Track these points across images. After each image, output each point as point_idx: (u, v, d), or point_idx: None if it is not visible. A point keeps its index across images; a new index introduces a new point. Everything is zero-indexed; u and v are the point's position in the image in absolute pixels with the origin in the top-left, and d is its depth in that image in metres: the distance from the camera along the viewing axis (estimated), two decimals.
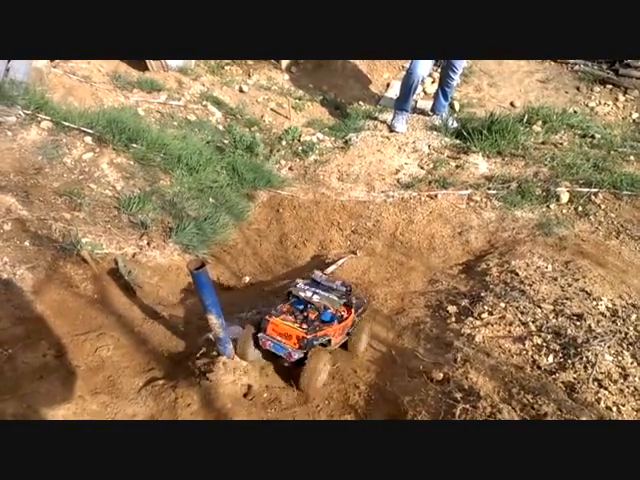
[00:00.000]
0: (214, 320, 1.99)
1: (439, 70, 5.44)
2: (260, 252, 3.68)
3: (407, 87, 4.95)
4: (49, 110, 3.90)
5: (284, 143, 5.08)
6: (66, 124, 3.81)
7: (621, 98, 5.76)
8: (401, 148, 4.95)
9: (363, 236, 3.86)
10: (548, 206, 3.80)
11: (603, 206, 3.67)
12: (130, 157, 3.88)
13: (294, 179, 4.60)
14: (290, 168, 4.81)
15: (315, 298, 2.43)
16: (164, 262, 3.19)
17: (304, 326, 2.27)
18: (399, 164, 4.72)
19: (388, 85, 6.36)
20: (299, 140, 5.13)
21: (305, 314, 2.37)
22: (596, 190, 3.77)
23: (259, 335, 2.29)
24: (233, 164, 4.25)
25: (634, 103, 5.74)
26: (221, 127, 5.08)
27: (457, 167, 4.54)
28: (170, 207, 3.61)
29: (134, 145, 3.93)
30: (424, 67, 4.75)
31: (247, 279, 3.41)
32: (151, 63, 5.52)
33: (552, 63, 6.32)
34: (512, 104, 5.77)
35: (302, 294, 2.44)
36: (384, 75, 6.54)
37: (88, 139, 3.81)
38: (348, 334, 2.48)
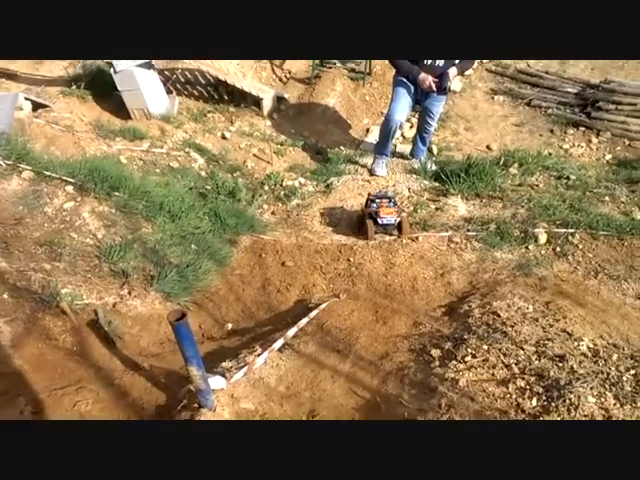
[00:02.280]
0: (195, 372, 1.96)
1: (417, 115, 5.58)
2: (243, 298, 3.67)
3: (386, 132, 5.07)
4: (30, 160, 3.92)
5: (266, 188, 5.13)
6: (47, 174, 3.83)
7: (594, 140, 5.95)
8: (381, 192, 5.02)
9: (346, 279, 3.87)
10: (527, 247, 3.86)
11: (581, 246, 3.74)
12: (112, 205, 3.88)
13: (277, 223, 4.63)
14: (273, 212, 4.85)
15: (382, 194, 4.34)
16: (145, 311, 3.16)
17: (395, 207, 4.15)
18: None
19: (368, 130, 6.51)
20: (281, 185, 5.19)
21: (387, 203, 4.18)
22: (573, 231, 3.85)
23: (378, 219, 4.06)
24: (215, 210, 4.28)
25: (607, 145, 5.93)
26: (204, 173, 5.13)
27: (437, 209, 4.61)
28: (152, 255, 3.59)
29: (116, 193, 3.94)
30: (401, 113, 4.87)
31: (230, 326, 3.39)
32: (134, 111, 5.60)
33: (526, 107, 6.54)
34: (488, 147, 5.93)
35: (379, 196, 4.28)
36: (364, 121, 6.70)
37: (69, 188, 3.82)
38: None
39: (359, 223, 4.39)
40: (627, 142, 5.94)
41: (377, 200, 4.24)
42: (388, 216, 4.06)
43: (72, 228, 3.56)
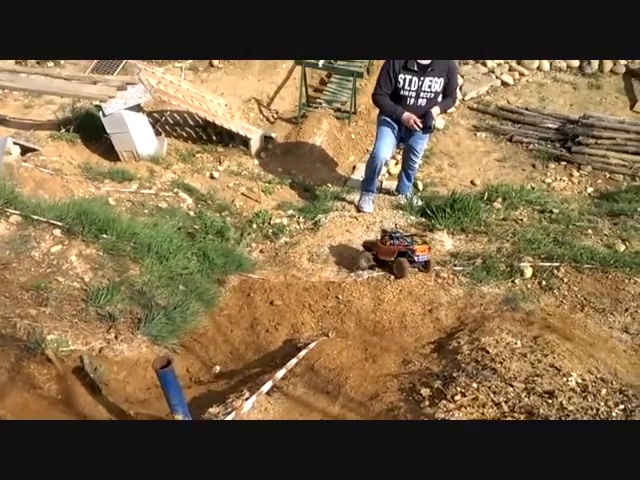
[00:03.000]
0: (181, 420, 1.94)
1: (402, 152, 5.68)
2: (231, 339, 3.65)
3: (371, 169, 5.14)
4: (18, 204, 3.93)
5: (255, 226, 5.16)
6: (35, 217, 3.84)
7: (575, 174, 6.08)
8: (369, 227, 5.06)
9: (335, 317, 3.87)
10: (513, 281, 3.89)
11: (566, 280, 3.78)
12: (100, 248, 3.89)
13: (265, 262, 4.65)
14: (261, 251, 4.86)
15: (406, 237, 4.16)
16: (132, 356, 3.13)
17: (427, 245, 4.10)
18: None
19: (354, 167, 6.61)
20: (269, 223, 5.22)
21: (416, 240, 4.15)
22: (558, 264, 3.89)
23: (415, 256, 3.98)
24: (204, 250, 4.29)
25: (588, 178, 6.06)
26: (192, 213, 5.16)
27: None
28: (139, 297, 3.58)
29: (104, 235, 3.95)
30: (386, 151, 4.95)
31: (218, 368, 3.36)
32: (122, 153, 5.66)
33: (508, 143, 6.69)
34: (472, 182, 6.03)
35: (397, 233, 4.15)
36: (350, 158, 6.81)
37: (57, 232, 3.82)
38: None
39: (365, 261, 4.27)
40: (608, 175, 6.08)
41: (398, 237, 4.13)
42: (423, 254, 4.01)
43: (59, 272, 3.55)
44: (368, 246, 4.38)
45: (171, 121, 6.84)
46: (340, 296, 3.99)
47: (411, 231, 4.48)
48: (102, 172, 5.29)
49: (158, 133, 6.44)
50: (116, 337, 3.21)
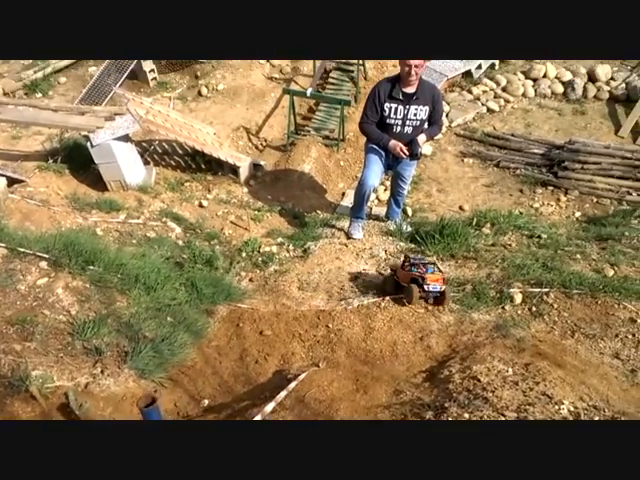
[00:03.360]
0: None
1: (390, 179, 5.72)
2: (220, 371, 3.59)
3: (360, 196, 5.16)
4: (4, 236, 3.90)
5: (244, 255, 5.14)
6: (21, 250, 3.80)
7: (563, 198, 6.15)
8: (359, 254, 5.06)
9: (325, 347, 3.82)
10: (503, 307, 3.88)
11: (556, 305, 3.77)
12: (86, 280, 3.84)
13: (254, 291, 4.61)
14: (250, 279, 4.83)
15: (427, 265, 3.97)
16: (118, 391, 3.07)
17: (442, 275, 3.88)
18: (357, 270, 4.79)
19: (343, 194, 6.64)
20: (259, 251, 5.20)
21: (432, 268, 3.93)
22: (547, 290, 3.89)
23: (425, 285, 3.83)
24: (192, 280, 4.25)
25: (575, 202, 6.13)
26: (181, 242, 5.14)
27: None
28: (126, 329, 3.53)
29: (91, 267, 3.91)
30: (374, 178, 4.99)
31: (206, 402, 3.29)
32: (110, 183, 5.65)
33: (495, 169, 6.77)
34: (461, 208, 6.08)
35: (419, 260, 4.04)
36: (339, 185, 6.85)
37: (43, 264, 3.78)
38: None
39: (389, 285, 4.23)
40: (595, 200, 6.15)
41: (418, 263, 4.01)
42: (435, 283, 3.83)
43: (45, 305, 3.50)
44: (394, 270, 4.29)
45: (160, 150, 6.85)
46: (330, 325, 3.96)
47: (432, 259, 4.34)
48: (90, 202, 5.27)
49: (147, 162, 6.45)
50: (102, 372, 3.15)
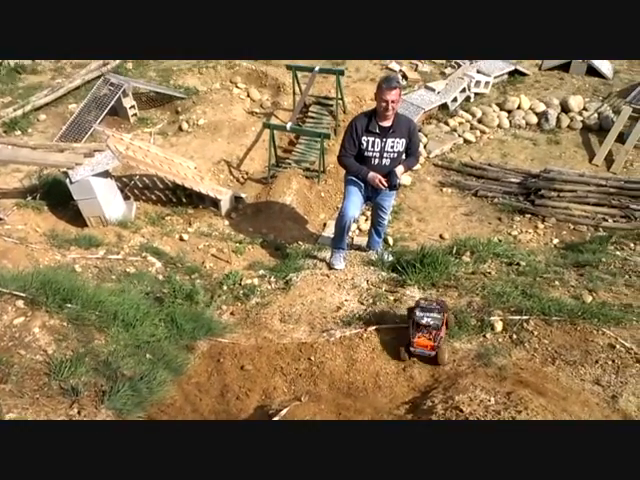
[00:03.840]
0: None
1: (370, 209, 5.76)
2: (200, 408, 3.53)
3: (341, 228, 5.19)
4: None
5: (225, 288, 5.10)
6: None
7: (540, 226, 6.24)
8: (341, 285, 5.05)
9: (308, 380, 3.79)
10: (484, 335, 3.89)
11: (536, 333, 3.79)
12: (64, 318, 3.78)
13: (236, 324, 4.56)
14: (232, 313, 4.79)
15: (426, 320, 3.69)
16: None
17: (431, 339, 3.64)
18: (339, 301, 4.78)
19: (325, 225, 6.68)
20: (240, 284, 5.17)
21: (429, 331, 3.67)
22: (527, 317, 3.91)
23: (410, 347, 3.67)
24: (172, 315, 4.20)
25: (553, 230, 6.23)
26: (161, 277, 5.09)
27: (395, 300, 4.64)
28: (104, 368, 3.46)
29: (68, 305, 3.85)
30: (354, 210, 5.03)
31: None
32: (90, 219, 5.62)
33: (473, 197, 6.87)
34: (441, 236, 6.13)
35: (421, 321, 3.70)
36: (320, 216, 6.89)
37: (20, 303, 3.71)
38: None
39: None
40: (572, 227, 6.26)
41: (423, 310, 3.75)
42: (421, 349, 3.65)
43: (21, 345, 3.43)
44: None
45: (140, 185, 6.86)
46: (312, 357, 3.93)
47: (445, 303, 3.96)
48: (68, 239, 5.22)
49: (127, 197, 6.44)
50: (79, 412, 3.07)
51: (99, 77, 8.70)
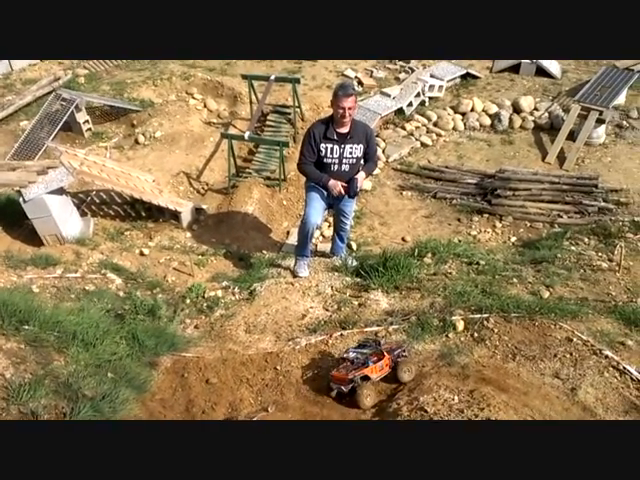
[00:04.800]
0: None
1: (333, 215, 5.80)
2: None
3: (304, 235, 5.21)
4: None
5: (188, 301, 5.04)
6: None
7: (498, 224, 6.39)
8: (305, 292, 5.05)
9: (274, 390, 3.77)
10: (447, 335, 3.95)
11: (496, 330, 3.87)
12: (21, 340, 3.67)
13: (200, 338, 4.51)
14: (196, 326, 4.73)
15: (351, 355, 3.60)
16: None
17: (344, 372, 3.47)
18: (304, 309, 4.78)
19: (288, 233, 6.68)
20: (203, 296, 5.11)
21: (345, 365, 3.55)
22: (487, 315, 3.99)
23: (331, 380, 3.54)
24: (133, 332, 4.12)
25: (510, 228, 6.38)
26: (122, 293, 5.00)
27: (360, 305, 4.67)
28: (65, 389, 3.37)
29: (25, 327, 3.74)
30: (316, 216, 5.05)
31: None
32: (46, 238, 5.50)
33: (433, 200, 6.98)
34: (404, 239, 6.21)
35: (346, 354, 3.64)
36: (283, 224, 6.89)
37: None
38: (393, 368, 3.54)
39: None
40: (528, 224, 6.42)
41: (357, 347, 3.69)
42: (337, 383, 3.49)
43: None
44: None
45: (97, 200, 6.73)
46: (278, 367, 3.92)
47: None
48: (24, 259, 5.09)
49: (84, 214, 6.31)
50: None
51: (50, 93, 8.50)
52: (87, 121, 8.14)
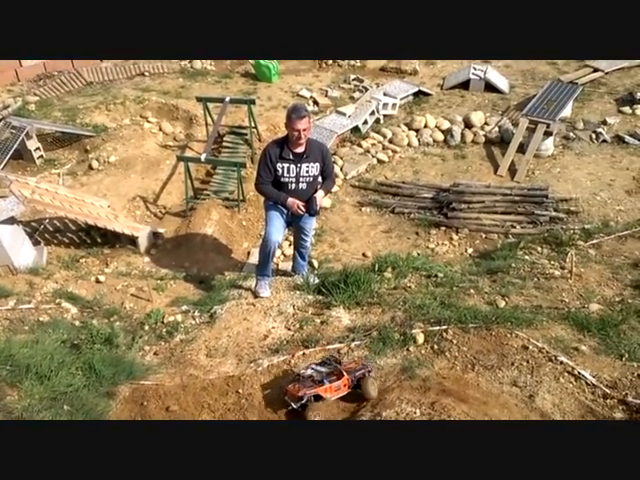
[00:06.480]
0: None
1: (293, 233, 5.81)
2: None
3: (265, 254, 5.19)
4: None
5: (147, 328, 4.93)
6: None
7: (455, 237, 6.52)
8: (267, 313, 5.02)
9: (237, 414, 3.70)
10: (408, 349, 3.98)
11: (455, 341, 3.92)
12: None
13: (160, 364, 4.42)
14: (155, 353, 4.63)
15: (308, 372, 3.56)
16: None
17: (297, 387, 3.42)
18: (266, 329, 4.75)
19: (249, 253, 6.65)
20: (162, 322, 5.02)
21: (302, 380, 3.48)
22: (445, 327, 4.05)
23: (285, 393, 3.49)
24: (90, 362, 4.01)
25: (467, 240, 6.52)
26: (77, 323, 4.86)
27: (322, 323, 4.67)
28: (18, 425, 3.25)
29: None
30: (277, 235, 5.05)
31: None
32: None
33: (391, 215, 7.08)
34: (364, 255, 6.27)
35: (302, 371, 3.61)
36: (243, 245, 6.86)
37: None
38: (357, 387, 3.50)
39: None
40: (484, 235, 6.58)
41: (317, 365, 3.63)
42: (291, 398, 3.44)
43: None
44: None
45: (51, 228, 6.57)
46: (241, 390, 3.86)
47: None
48: None
49: (37, 242, 6.15)
50: None
51: (0, 121, 8.30)
52: (38, 148, 7.98)
